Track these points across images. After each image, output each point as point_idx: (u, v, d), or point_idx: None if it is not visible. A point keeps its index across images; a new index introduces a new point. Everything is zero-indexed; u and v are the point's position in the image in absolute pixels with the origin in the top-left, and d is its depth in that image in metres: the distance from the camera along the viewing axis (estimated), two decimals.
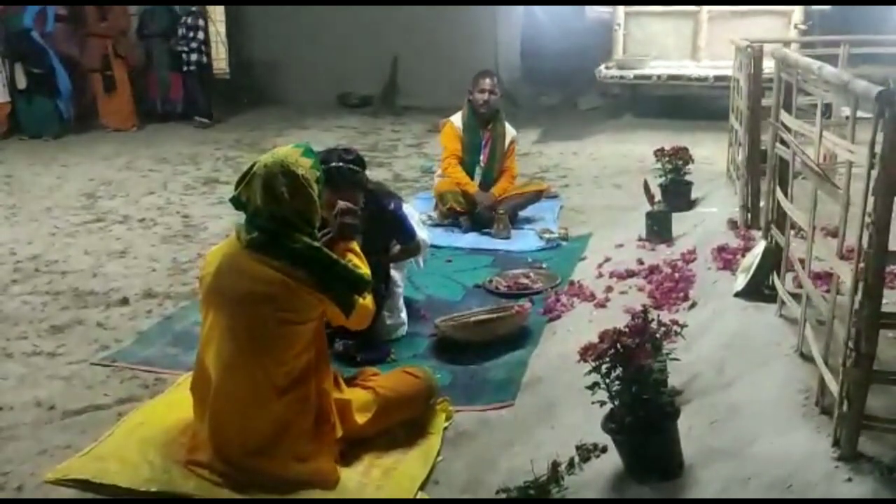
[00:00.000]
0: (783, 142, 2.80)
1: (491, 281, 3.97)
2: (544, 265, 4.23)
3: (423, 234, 3.59)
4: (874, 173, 1.76)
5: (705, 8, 8.25)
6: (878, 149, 1.77)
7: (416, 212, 5.01)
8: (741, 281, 2.98)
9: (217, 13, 10.87)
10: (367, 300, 2.44)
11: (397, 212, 3.35)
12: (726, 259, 3.37)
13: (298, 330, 2.31)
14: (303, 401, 2.35)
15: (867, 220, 1.80)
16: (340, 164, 2.93)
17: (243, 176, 2.35)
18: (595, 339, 2.16)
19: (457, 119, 5.07)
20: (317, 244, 2.32)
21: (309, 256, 2.28)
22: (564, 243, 4.59)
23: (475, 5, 9.68)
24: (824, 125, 2.41)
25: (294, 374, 2.33)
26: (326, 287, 2.29)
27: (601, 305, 3.40)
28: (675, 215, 4.25)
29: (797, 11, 8.01)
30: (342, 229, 2.51)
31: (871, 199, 1.77)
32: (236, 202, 2.37)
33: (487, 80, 4.98)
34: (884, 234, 1.77)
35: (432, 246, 4.59)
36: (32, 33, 8.04)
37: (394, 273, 3.47)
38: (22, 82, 8.10)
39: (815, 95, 2.49)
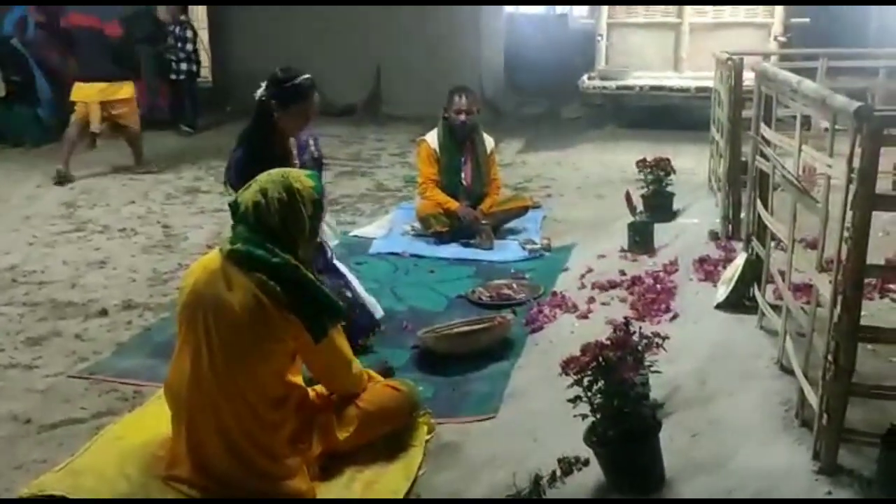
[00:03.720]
0: (763, 154, 2.83)
1: (473, 292, 3.97)
2: (527, 276, 4.23)
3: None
4: (852, 187, 1.77)
5: (687, 19, 8.34)
6: (856, 163, 1.79)
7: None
8: (722, 292, 3.00)
9: (200, 21, 10.85)
10: (356, 365, 2.49)
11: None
12: (707, 270, 3.40)
13: (273, 348, 2.29)
14: (279, 422, 2.33)
15: (846, 233, 1.82)
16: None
17: (247, 184, 2.39)
18: (577, 352, 2.16)
19: (432, 138, 4.90)
20: (296, 263, 2.31)
21: (285, 273, 2.27)
22: (547, 254, 4.59)
23: (460, 14, 9.71)
24: (803, 137, 2.43)
25: (271, 393, 2.31)
26: (298, 306, 2.27)
27: (584, 317, 3.40)
28: (657, 226, 4.28)
29: (776, 24, 8.11)
30: None
31: (849, 213, 1.79)
32: (234, 206, 2.37)
33: (464, 99, 4.79)
34: (862, 248, 1.79)
35: (415, 256, 4.63)
36: (12, 40, 7.99)
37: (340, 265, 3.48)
38: (1, 90, 8.03)
39: (795, 108, 2.52)
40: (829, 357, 1.88)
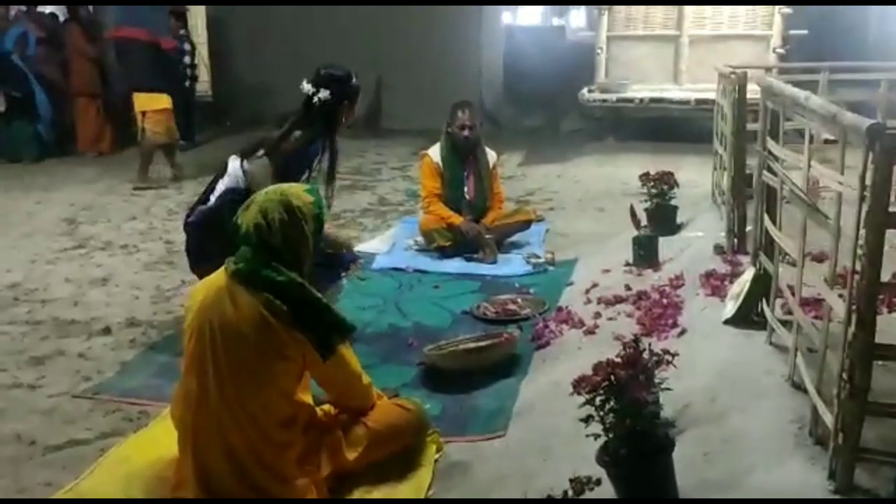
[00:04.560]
0: (770, 169, 2.82)
1: (479, 307, 3.95)
2: (532, 290, 4.21)
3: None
4: (865, 205, 1.76)
5: (686, 32, 8.37)
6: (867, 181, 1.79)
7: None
8: (730, 308, 2.98)
9: (200, 35, 10.89)
10: (366, 379, 2.47)
11: None
12: (714, 285, 3.38)
13: (281, 367, 2.27)
14: (287, 443, 2.31)
15: (859, 251, 1.81)
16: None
17: (246, 203, 2.36)
18: (585, 368, 2.14)
19: (435, 152, 4.94)
20: (301, 280, 2.29)
21: (291, 291, 2.26)
22: (551, 268, 4.58)
23: (460, 27, 9.75)
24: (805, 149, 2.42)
25: (279, 413, 2.29)
26: (305, 324, 2.26)
27: (590, 332, 3.38)
28: (661, 240, 4.27)
29: (775, 36, 8.15)
30: None
31: (862, 232, 1.78)
32: (234, 228, 2.35)
33: (467, 114, 4.83)
34: (876, 267, 1.78)
35: (418, 271, 4.62)
36: (13, 56, 8.01)
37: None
38: (1, 106, 8.04)
39: (800, 122, 2.51)
40: (844, 376, 1.86)
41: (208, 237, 3.47)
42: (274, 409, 2.28)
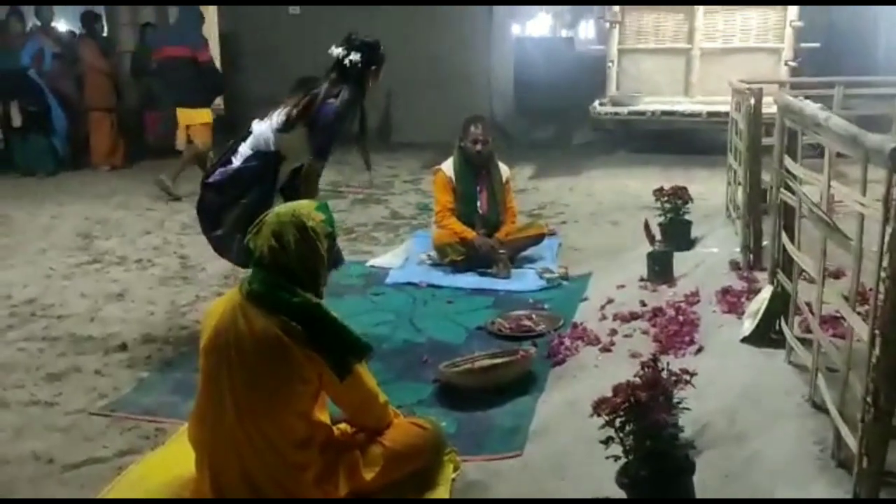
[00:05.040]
0: (787, 186, 2.81)
1: (493, 323, 3.94)
2: (546, 306, 4.20)
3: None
4: (889, 228, 1.75)
5: (697, 45, 8.38)
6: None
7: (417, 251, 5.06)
8: (748, 326, 2.97)
9: (213, 50, 10.95)
10: (382, 398, 2.46)
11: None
12: (731, 302, 3.37)
13: (297, 388, 2.26)
14: (305, 464, 2.30)
15: (882, 274, 1.80)
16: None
17: (256, 224, 2.35)
18: (602, 386, 2.14)
19: (448, 167, 4.96)
20: (317, 301, 2.29)
21: (307, 312, 2.25)
22: (565, 283, 4.57)
23: (470, 39, 9.78)
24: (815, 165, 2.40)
25: (296, 434, 2.28)
26: (321, 345, 2.25)
27: (606, 350, 3.37)
28: (675, 255, 4.25)
29: (787, 49, 8.15)
30: None
31: (886, 256, 1.77)
32: (246, 250, 2.36)
33: (479, 128, 4.86)
34: None
35: (432, 286, 4.62)
36: (30, 72, 8.10)
37: None
38: (17, 120, 8.14)
39: (818, 139, 2.50)
40: (869, 399, 1.85)
41: (227, 200, 3.54)
42: (290, 431, 2.28)
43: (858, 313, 2.02)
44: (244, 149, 3.59)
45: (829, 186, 2.33)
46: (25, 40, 8.40)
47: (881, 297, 1.79)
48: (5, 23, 8.55)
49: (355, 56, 3.57)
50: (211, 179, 3.62)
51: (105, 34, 9.79)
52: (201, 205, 3.67)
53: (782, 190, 2.85)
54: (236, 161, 3.58)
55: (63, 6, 10.85)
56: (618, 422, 2.08)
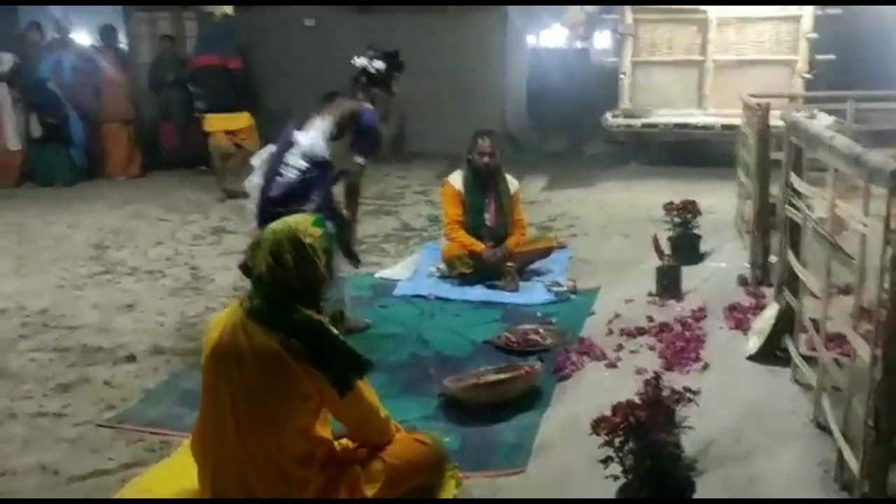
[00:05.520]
0: (794, 203, 2.80)
1: (500, 337, 3.93)
2: (553, 320, 4.19)
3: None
4: (890, 250, 1.74)
5: (710, 57, 8.35)
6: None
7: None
8: (754, 343, 2.95)
9: None
10: (384, 413, 2.44)
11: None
12: (738, 318, 3.35)
13: (298, 404, 2.26)
14: (306, 480, 2.30)
15: (884, 295, 1.78)
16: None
17: (253, 242, 2.35)
18: (606, 403, 2.13)
19: (456, 179, 4.99)
20: (318, 317, 2.29)
21: (307, 329, 2.25)
22: (573, 296, 4.56)
23: (485, 49, 9.80)
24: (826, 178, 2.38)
25: (297, 451, 2.28)
26: (321, 362, 2.24)
27: (612, 366, 3.36)
28: (683, 269, 4.23)
29: (801, 61, 8.10)
30: None
31: (887, 275, 1.75)
32: (245, 269, 2.36)
33: (487, 142, 4.89)
34: None
35: (440, 298, 4.63)
36: (49, 84, 8.22)
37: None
38: (37, 131, 8.26)
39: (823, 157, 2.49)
40: (870, 421, 1.83)
41: (285, 210, 3.56)
42: (291, 447, 2.28)
43: (863, 335, 2.00)
44: (295, 160, 3.73)
45: (835, 205, 2.31)
46: (45, 53, 8.53)
47: (882, 317, 1.78)
48: (25, 35, 8.68)
49: (379, 64, 3.95)
50: (274, 193, 3.71)
51: (123, 46, 9.92)
52: (262, 214, 3.69)
53: (788, 207, 2.84)
54: (289, 173, 3.71)
55: (82, 18, 10.98)
56: (617, 441, 2.07)
